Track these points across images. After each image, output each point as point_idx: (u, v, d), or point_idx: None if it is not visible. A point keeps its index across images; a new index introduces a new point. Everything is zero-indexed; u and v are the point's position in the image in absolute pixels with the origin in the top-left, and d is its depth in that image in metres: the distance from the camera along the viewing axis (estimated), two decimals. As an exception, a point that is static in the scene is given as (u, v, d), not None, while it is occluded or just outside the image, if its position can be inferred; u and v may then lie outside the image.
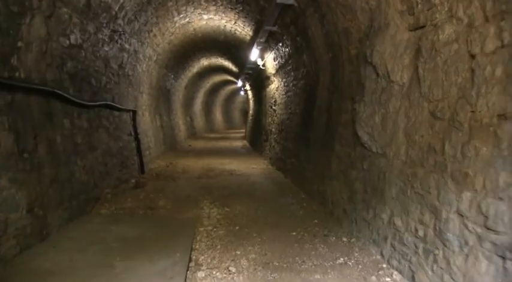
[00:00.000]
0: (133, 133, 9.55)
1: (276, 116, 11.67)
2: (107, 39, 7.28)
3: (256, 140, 16.35)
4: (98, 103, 6.92)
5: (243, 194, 7.35)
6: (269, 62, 11.65)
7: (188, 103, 23.42)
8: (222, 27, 12.63)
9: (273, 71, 11.65)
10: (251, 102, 21.59)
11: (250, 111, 21.52)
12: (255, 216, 5.85)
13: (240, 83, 20.75)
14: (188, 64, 17.55)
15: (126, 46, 8.61)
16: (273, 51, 10.78)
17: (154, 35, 10.41)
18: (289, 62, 9.30)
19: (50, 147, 4.89)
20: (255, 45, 10.89)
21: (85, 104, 6.27)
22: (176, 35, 12.15)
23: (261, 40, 10.26)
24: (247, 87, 20.69)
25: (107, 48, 7.41)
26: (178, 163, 11.79)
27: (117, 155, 7.97)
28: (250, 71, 15.92)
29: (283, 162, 9.62)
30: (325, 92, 6.58)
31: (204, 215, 5.93)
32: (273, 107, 12.10)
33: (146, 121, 11.67)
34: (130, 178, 8.58)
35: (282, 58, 9.99)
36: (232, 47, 15.05)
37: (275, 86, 11.88)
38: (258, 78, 15.36)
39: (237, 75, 20.93)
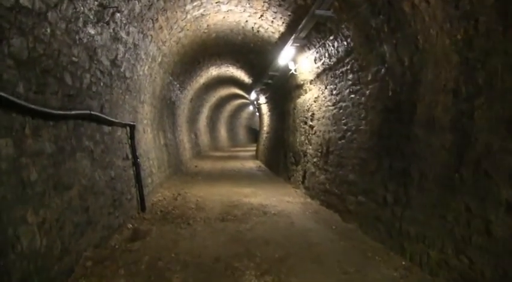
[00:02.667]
0: (130, 156, 6.97)
1: (313, 133, 9.08)
2: (91, 17, 4.75)
3: (277, 162, 13.73)
4: (74, 112, 4.35)
5: (303, 256, 4.65)
6: (305, 65, 9.13)
7: (193, 118, 20.88)
8: (243, 24, 10.15)
9: (311, 77, 9.12)
10: (265, 117, 19.02)
11: (265, 128, 18.91)
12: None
13: (253, 96, 18.15)
14: (196, 73, 15.03)
15: (123, 35, 6.08)
16: (312, 51, 8.29)
17: (160, 28, 7.90)
18: (347, 60, 6.76)
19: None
20: (290, 43, 8.39)
21: (50, 113, 3.70)
22: (186, 32, 9.65)
23: (301, 35, 7.76)
24: (262, 100, 18.14)
25: (92, 31, 4.88)
26: (189, 193, 9.14)
27: (107, 191, 5.37)
28: (269, 81, 13.44)
29: (336, 197, 6.98)
30: (443, 96, 4.03)
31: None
32: (309, 123, 9.52)
33: (148, 139, 9.08)
34: (125, 222, 5.97)
35: (330, 57, 7.46)
36: (251, 52, 12.56)
37: (312, 96, 9.32)
38: (281, 89, 12.83)
39: (249, 88, 18.45)
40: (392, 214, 4.84)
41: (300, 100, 10.57)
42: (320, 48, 7.81)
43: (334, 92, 7.70)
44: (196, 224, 6.22)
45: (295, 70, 9.75)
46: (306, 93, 9.91)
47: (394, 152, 5.01)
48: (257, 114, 27.25)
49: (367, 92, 6.10)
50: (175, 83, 12.75)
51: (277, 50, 10.02)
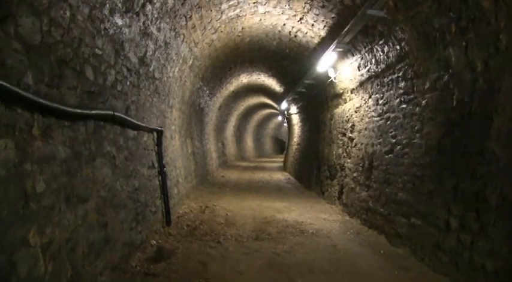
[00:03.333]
0: (157, 164, 6.38)
1: (354, 146, 8.32)
2: (119, 5, 4.19)
3: (309, 175, 12.97)
4: (95, 112, 3.77)
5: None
6: (347, 72, 8.40)
7: (221, 127, 20.36)
8: (279, 28, 9.53)
9: (352, 85, 8.39)
10: (296, 127, 18.28)
11: (295, 139, 18.16)
12: None
13: (284, 106, 17.41)
14: (226, 80, 14.49)
15: (153, 30, 5.53)
16: (356, 57, 7.55)
17: (193, 27, 7.35)
18: (398, 67, 6.02)
19: None
20: (332, 48, 7.64)
21: (65, 111, 3.11)
22: (220, 34, 9.10)
23: (346, 39, 7.03)
24: (293, 110, 17.43)
25: (120, 22, 4.32)
26: (217, 206, 8.49)
27: (129, 203, 4.76)
28: (303, 90, 12.71)
29: (382, 217, 6.21)
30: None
31: None
32: (348, 134, 8.77)
33: (176, 147, 8.51)
34: (148, 238, 5.35)
35: (378, 63, 6.73)
36: (286, 58, 11.90)
37: (353, 106, 8.58)
38: (316, 98, 12.07)
39: (279, 97, 17.81)
40: (458, 242, 4.05)
41: (338, 110, 9.82)
42: (366, 54, 7.08)
43: (380, 102, 6.94)
44: (227, 243, 5.55)
45: (335, 78, 9.03)
46: (345, 102, 9.17)
47: (461, 171, 4.21)
48: (285, 125, 26.53)
49: (424, 101, 5.33)
50: (205, 88, 12.22)
51: (315, 57, 9.34)
